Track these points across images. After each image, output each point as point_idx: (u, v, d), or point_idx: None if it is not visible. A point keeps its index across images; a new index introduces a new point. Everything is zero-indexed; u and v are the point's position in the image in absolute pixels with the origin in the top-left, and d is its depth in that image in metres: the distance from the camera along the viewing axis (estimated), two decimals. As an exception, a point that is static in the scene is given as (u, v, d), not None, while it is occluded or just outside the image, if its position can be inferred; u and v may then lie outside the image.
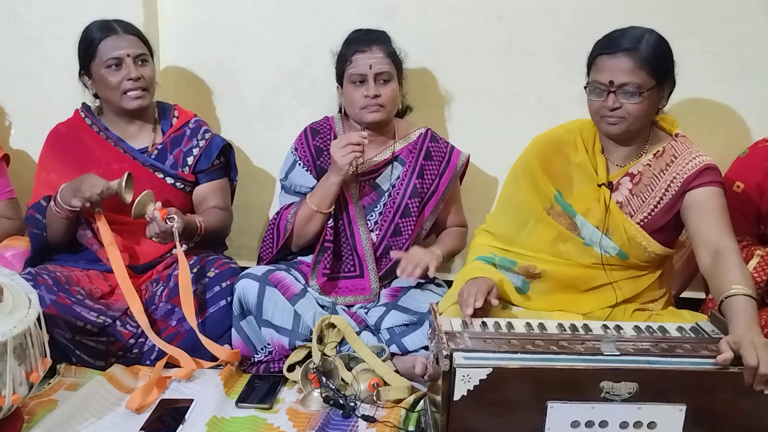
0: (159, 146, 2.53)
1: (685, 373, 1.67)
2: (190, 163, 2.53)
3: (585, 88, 2.06)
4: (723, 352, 1.66)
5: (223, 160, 2.61)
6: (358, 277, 2.46)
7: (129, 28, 2.44)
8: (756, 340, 1.65)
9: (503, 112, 2.72)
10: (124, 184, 2.28)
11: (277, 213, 2.49)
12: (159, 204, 2.28)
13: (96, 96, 2.53)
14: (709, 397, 1.68)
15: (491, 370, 1.65)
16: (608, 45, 2.01)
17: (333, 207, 2.40)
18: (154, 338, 2.27)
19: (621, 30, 2.03)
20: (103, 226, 2.34)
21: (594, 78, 2.03)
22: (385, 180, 2.50)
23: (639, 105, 1.98)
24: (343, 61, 2.41)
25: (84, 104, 2.56)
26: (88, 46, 2.42)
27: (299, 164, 2.49)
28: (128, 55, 2.38)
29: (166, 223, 2.25)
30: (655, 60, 1.98)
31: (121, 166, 2.45)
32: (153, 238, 2.30)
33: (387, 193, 2.49)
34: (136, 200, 2.25)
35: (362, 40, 2.39)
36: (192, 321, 2.25)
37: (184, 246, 2.34)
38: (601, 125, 2.06)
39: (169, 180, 2.51)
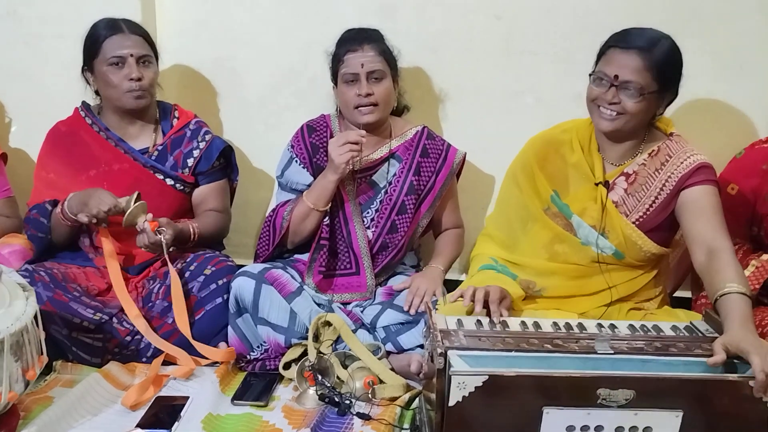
0: (159, 147, 2.53)
1: (683, 380, 1.66)
2: (190, 164, 2.53)
3: (590, 75, 2.07)
4: (716, 354, 1.66)
5: (222, 162, 2.61)
6: (354, 275, 2.47)
7: (136, 29, 2.44)
8: (759, 344, 1.64)
9: (502, 112, 2.72)
10: (133, 203, 2.28)
11: (273, 210, 2.49)
12: (150, 216, 2.29)
13: (97, 93, 2.53)
14: (706, 403, 1.67)
15: (487, 377, 1.64)
16: (623, 39, 2.02)
17: (329, 205, 2.40)
18: (154, 339, 2.27)
19: (640, 28, 2.04)
20: (105, 240, 2.35)
21: (601, 68, 2.03)
22: (381, 177, 2.50)
23: (637, 105, 1.98)
24: (336, 61, 2.42)
25: (84, 103, 2.55)
26: (93, 42, 2.42)
27: (296, 161, 2.49)
28: (131, 55, 2.38)
29: (156, 235, 2.26)
30: (664, 65, 1.99)
31: (121, 167, 2.46)
32: (142, 248, 2.31)
33: (383, 190, 2.49)
34: (128, 211, 2.26)
35: (354, 39, 2.40)
36: (186, 331, 2.26)
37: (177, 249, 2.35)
38: (594, 117, 2.06)
39: (169, 181, 2.51)
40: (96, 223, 2.29)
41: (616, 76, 1.98)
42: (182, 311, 2.28)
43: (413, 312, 2.30)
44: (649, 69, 1.97)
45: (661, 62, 1.98)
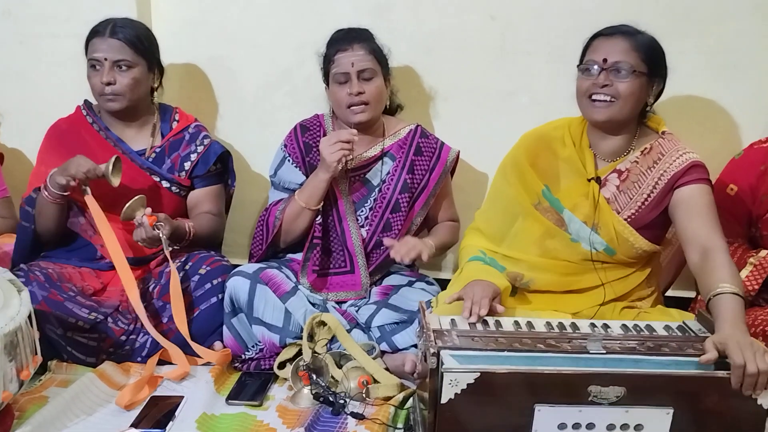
0: (157, 149, 2.54)
1: (673, 377, 1.67)
2: (187, 168, 2.54)
3: (578, 67, 2.08)
4: (708, 352, 1.67)
5: (219, 167, 2.61)
6: (348, 273, 2.47)
7: (120, 32, 2.40)
8: (741, 340, 1.66)
9: (496, 112, 2.73)
10: (111, 167, 2.28)
11: (266, 209, 2.50)
12: (149, 210, 2.29)
13: None
14: (696, 400, 1.68)
15: (479, 374, 1.65)
16: (606, 29, 2.07)
17: (321, 204, 2.41)
18: (151, 330, 2.27)
19: (620, 24, 2.08)
20: (92, 204, 2.32)
21: (588, 57, 2.06)
22: (375, 175, 2.51)
23: (629, 84, 1.99)
24: (327, 61, 2.43)
25: (86, 101, 2.56)
26: (86, 41, 2.43)
27: (288, 160, 2.50)
28: (105, 59, 2.38)
29: (154, 230, 2.27)
30: (649, 49, 2.02)
31: (118, 167, 2.46)
32: (140, 243, 2.31)
33: (377, 189, 2.50)
34: (127, 204, 2.27)
35: (343, 39, 2.41)
36: (184, 330, 2.26)
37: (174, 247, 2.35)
38: (587, 110, 2.07)
39: (165, 183, 2.51)
40: (76, 185, 2.29)
41: (605, 60, 2.00)
42: (180, 309, 2.27)
43: (399, 259, 2.27)
44: (636, 50, 2.00)
45: (646, 45, 2.02)
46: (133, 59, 2.42)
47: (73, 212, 2.46)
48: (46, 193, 2.33)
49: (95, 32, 2.41)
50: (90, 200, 2.33)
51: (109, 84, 2.39)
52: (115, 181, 2.30)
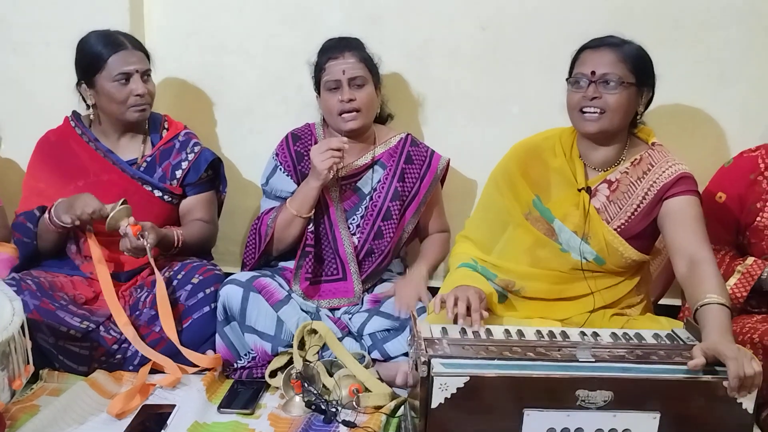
0: (148, 159, 2.54)
1: (659, 381, 1.70)
2: (178, 176, 2.54)
3: (567, 80, 2.10)
4: (696, 358, 1.69)
5: (211, 173, 2.62)
6: (341, 280, 2.48)
7: (136, 44, 2.45)
8: (730, 345, 1.69)
9: (487, 121, 2.75)
10: (117, 209, 2.28)
11: (258, 218, 2.50)
12: (132, 219, 2.29)
13: (89, 106, 2.50)
14: (682, 404, 1.71)
15: (468, 378, 1.67)
16: (593, 41, 2.09)
17: (313, 211, 2.42)
18: (142, 348, 2.28)
19: (606, 35, 2.10)
20: (93, 244, 2.36)
21: (577, 70, 2.08)
22: (365, 183, 2.52)
23: (618, 96, 2.01)
24: (318, 69, 2.46)
25: (74, 112, 2.56)
26: (95, 58, 2.41)
27: (280, 169, 2.51)
28: (137, 71, 2.40)
29: (138, 239, 2.27)
30: (636, 59, 2.05)
31: (110, 177, 2.47)
32: (125, 252, 2.32)
33: (368, 197, 2.51)
34: (110, 215, 2.27)
35: (335, 47, 2.44)
36: (173, 336, 2.27)
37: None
38: (579, 123, 2.09)
39: (157, 193, 2.52)
40: (79, 226, 2.31)
41: (593, 72, 2.02)
42: (168, 315, 2.28)
43: (404, 316, 2.32)
44: (623, 61, 2.02)
45: (633, 55, 2.04)
46: (150, 68, 2.47)
47: (69, 239, 2.47)
48: (49, 222, 2.34)
49: (117, 46, 2.40)
50: (91, 239, 2.36)
51: (143, 95, 2.41)
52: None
